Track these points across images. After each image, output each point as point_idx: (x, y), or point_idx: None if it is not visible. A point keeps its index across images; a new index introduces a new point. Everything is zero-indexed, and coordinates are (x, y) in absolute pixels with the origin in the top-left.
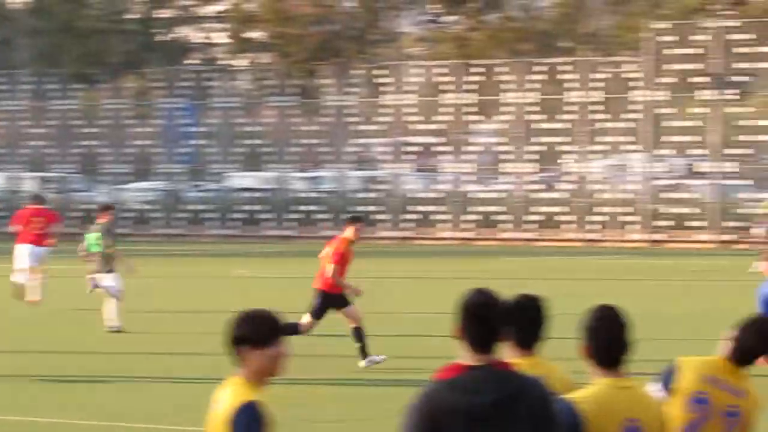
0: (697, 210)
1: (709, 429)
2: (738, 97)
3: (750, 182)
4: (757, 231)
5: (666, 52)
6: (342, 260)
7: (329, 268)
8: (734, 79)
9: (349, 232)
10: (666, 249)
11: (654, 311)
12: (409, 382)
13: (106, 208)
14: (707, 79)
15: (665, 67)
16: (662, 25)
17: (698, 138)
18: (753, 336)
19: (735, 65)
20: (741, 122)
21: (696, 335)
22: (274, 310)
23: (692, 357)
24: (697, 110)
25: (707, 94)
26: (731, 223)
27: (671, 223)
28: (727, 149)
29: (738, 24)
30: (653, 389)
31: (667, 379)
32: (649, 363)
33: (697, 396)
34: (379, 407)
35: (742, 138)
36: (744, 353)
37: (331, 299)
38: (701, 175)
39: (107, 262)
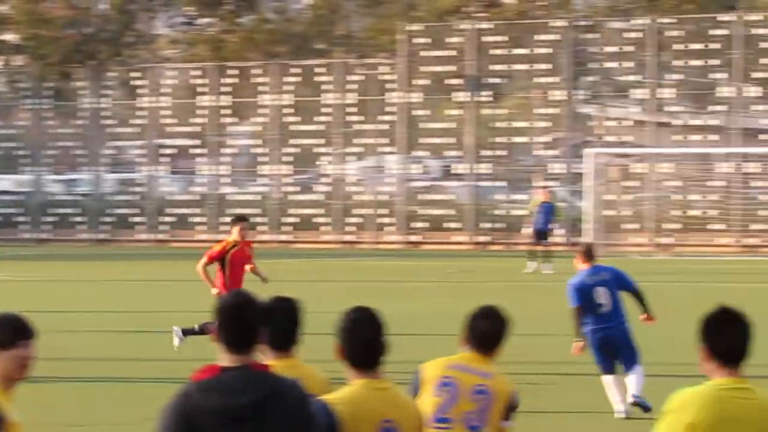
0: (452, 211)
1: (459, 407)
2: (492, 98)
3: (504, 184)
4: (525, 231)
5: (421, 54)
6: (215, 259)
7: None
8: (488, 80)
9: (233, 232)
10: (422, 250)
11: (410, 312)
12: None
13: None
14: (462, 80)
15: (420, 69)
16: (416, 27)
17: (453, 140)
18: (482, 322)
19: (489, 67)
20: (495, 124)
21: (452, 334)
22: (17, 312)
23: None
24: (452, 112)
25: (462, 96)
26: (487, 225)
27: (427, 224)
28: (482, 151)
29: (492, 26)
30: None
31: (416, 385)
32: (406, 364)
33: (443, 380)
34: (138, 409)
35: (496, 140)
36: (477, 339)
37: None
38: (457, 176)
39: None
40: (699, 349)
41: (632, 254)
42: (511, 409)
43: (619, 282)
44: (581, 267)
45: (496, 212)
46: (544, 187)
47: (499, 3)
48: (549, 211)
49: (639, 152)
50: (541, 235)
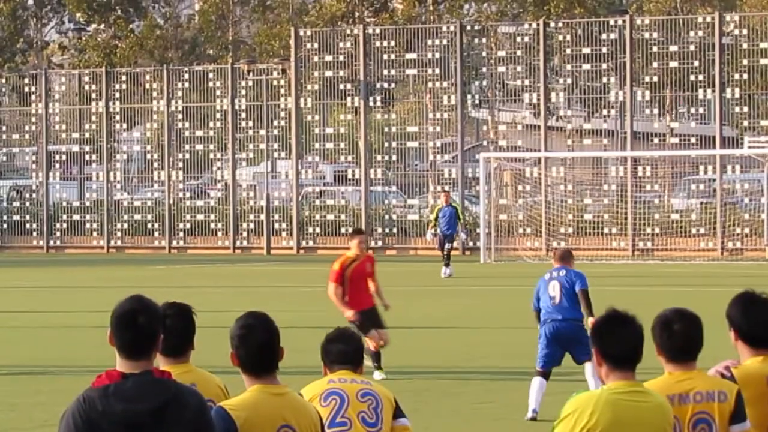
0: (345, 216)
1: (353, 408)
2: (384, 103)
3: (396, 188)
4: (429, 236)
5: (312, 59)
6: (340, 279)
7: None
8: (380, 85)
9: (352, 246)
10: (316, 255)
11: (305, 318)
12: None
13: None
14: (353, 85)
15: (312, 74)
16: (307, 32)
17: (346, 145)
18: (337, 345)
19: (381, 72)
20: (388, 129)
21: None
22: None
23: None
24: (344, 117)
25: (354, 101)
26: (380, 230)
27: (320, 229)
28: (375, 156)
29: (381, 31)
30: None
31: None
32: (305, 369)
33: (327, 393)
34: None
35: (388, 144)
36: (341, 358)
37: None
38: (349, 181)
39: None
40: (593, 353)
41: (527, 258)
42: (399, 408)
43: (572, 281)
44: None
45: (390, 217)
46: (445, 192)
47: (390, 8)
48: (451, 215)
49: (532, 156)
50: (445, 238)
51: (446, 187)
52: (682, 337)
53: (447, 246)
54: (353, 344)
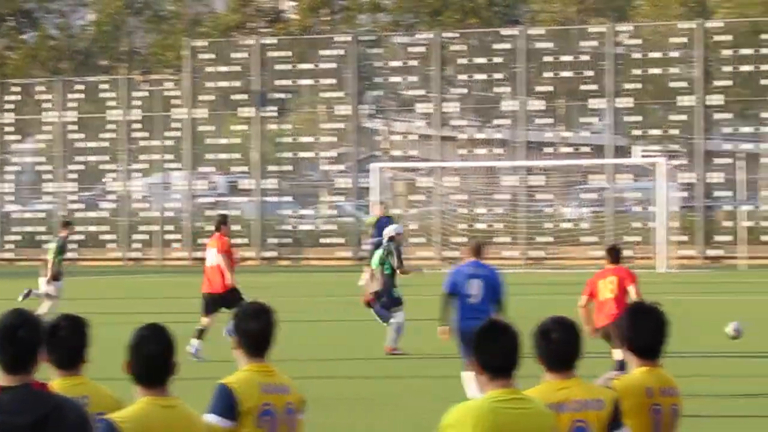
0: (239, 227)
1: (280, 430)
2: (278, 114)
3: (290, 199)
4: (366, 246)
5: (206, 69)
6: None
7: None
8: (274, 96)
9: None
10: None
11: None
12: None
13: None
14: (247, 96)
15: (205, 84)
16: (201, 43)
17: (239, 155)
18: (251, 322)
19: (274, 82)
20: (281, 139)
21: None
22: None
23: (236, 376)
24: (237, 127)
25: (247, 112)
26: (274, 240)
27: None
28: (268, 166)
29: (276, 41)
30: (211, 420)
31: (227, 405)
32: (202, 381)
33: (263, 409)
34: None
35: (282, 155)
36: (251, 340)
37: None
38: (243, 192)
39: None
40: (472, 362)
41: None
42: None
43: (493, 284)
44: (467, 259)
45: (283, 227)
46: (381, 203)
47: (284, 18)
48: (387, 224)
49: (425, 166)
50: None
51: (384, 199)
52: (560, 346)
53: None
54: (266, 324)
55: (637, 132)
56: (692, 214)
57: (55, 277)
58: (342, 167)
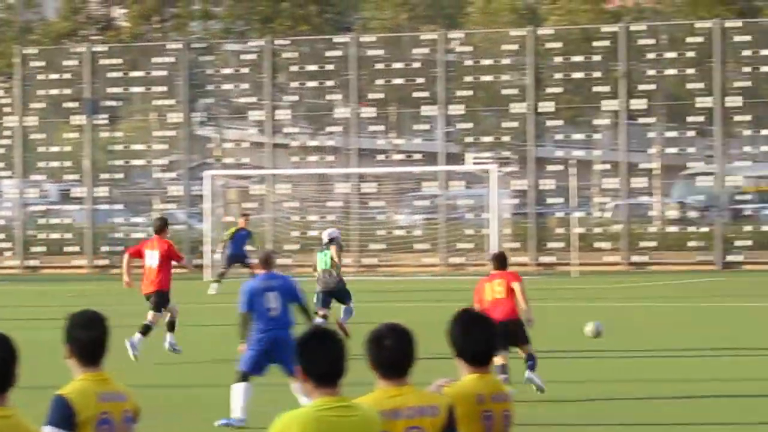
0: (71, 235)
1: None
2: (109, 121)
3: (122, 207)
4: (217, 256)
5: (37, 77)
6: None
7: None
8: (105, 103)
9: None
10: (41, 275)
11: (31, 338)
12: None
13: None
14: (79, 104)
15: (36, 92)
16: (32, 50)
17: (71, 163)
18: (83, 332)
19: (106, 90)
20: (113, 147)
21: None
22: None
23: (72, 386)
24: (69, 135)
25: (79, 119)
26: (106, 248)
27: (46, 249)
28: (100, 174)
29: (107, 49)
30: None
31: (64, 416)
32: (39, 390)
33: (101, 418)
34: None
35: (114, 163)
36: (83, 349)
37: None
38: (75, 200)
39: None
40: (297, 370)
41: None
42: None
43: (289, 292)
44: (259, 272)
45: (115, 235)
46: (244, 215)
47: (115, 26)
48: (245, 237)
49: (257, 173)
50: (234, 259)
51: (246, 211)
52: (393, 353)
53: (234, 265)
54: (99, 332)
55: (469, 139)
56: (525, 221)
57: None
58: (174, 175)
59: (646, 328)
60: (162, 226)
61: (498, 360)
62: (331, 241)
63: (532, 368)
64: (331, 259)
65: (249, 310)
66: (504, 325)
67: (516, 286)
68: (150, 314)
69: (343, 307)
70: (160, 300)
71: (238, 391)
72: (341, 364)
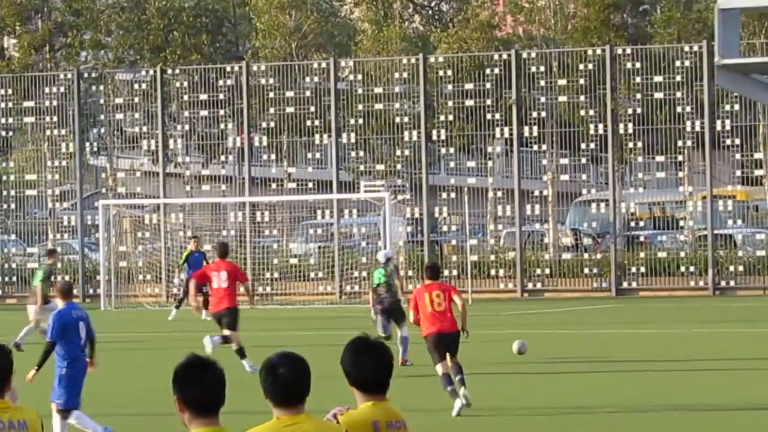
0: None
1: None
2: (1, 151)
3: (14, 237)
4: (176, 281)
5: None
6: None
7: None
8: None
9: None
10: None
11: None
12: None
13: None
14: None
15: None
16: None
17: None
18: None
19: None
20: (5, 177)
21: None
22: None
23: None
24: None
25: None
26: (2, 278)
27: None
28: None
29: None
30: None
31: None
32: None
33: None
34: None
35: (7, 192)
36: None
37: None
38: None
39: None
40: (175, 400)
41: (147, 305)
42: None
43: (89, 323)
44: (60, 303)
45: (9, 266)
46: (194, 237)
47: (6, 56)
48: (199, 259)
49: (150, 203)
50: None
51: (197, 233)
52: (288, 381)
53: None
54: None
55: (362, 167)
56: (419, 249)
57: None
58: (67, 205)
59: (541, 353)
60: (225, 250)
61: (440, 369)
62: (388, 260)
63: (463, 382)
64: (389, 279)
65: (56, 340)
66: (446, 336)
67: (457, 299)
68: (230, 335)
69: (399, 339)
70: (235, 317)
71: (83, 422)
72: (220, 393)
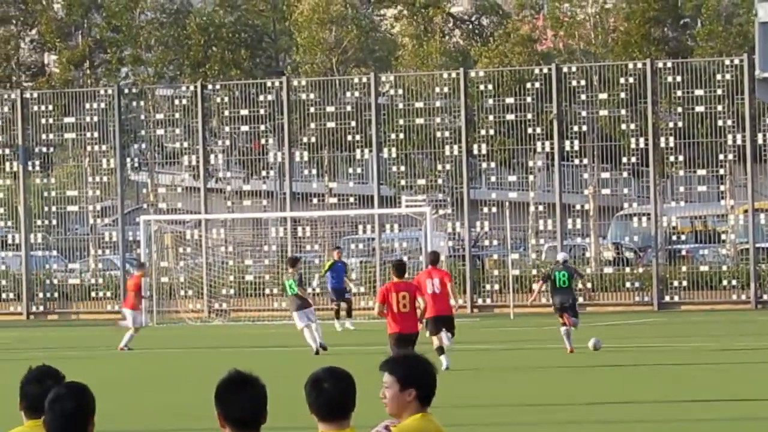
0: (6, 282)
1: None
2: (43, 168)
3: (56, 253)
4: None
5: None
6: None
7: None
8: (38, 150)
9: None
10: None
11: None
12: None
13: None
14: (11, 150)
15: None
16: None
17: (4, 210)
18: (34, 386)
19: (39, 136)
20: (46, 193)
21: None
22: None
23: None
24: (2, 182)
25: (12, 166)
26: (41, 294)
27: None
28: (35, 220)
29: (37, 95)
30: None
31: None
32: None
33: None
34: None
35: (48, 209)
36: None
37: None
38: (10, 246)
39: None
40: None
41: (189, 320)
42: None
43: None
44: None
45: (51, 282)
46: (336, 248)
47: (47, 72)
48: (342, 269)
49: (192, 218)
50: (339, 293)
51: (338, 244)
52: (333, 396)
53: (343, 299)
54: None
55: (403, 182)
56: (460, 264)
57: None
58: (108, 221)
59: (584, 369)
60: (436, 258)
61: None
62: (565, 263)
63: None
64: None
65: None
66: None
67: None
68: (443, 338)
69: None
70: (451, 322)
71: None
72: (261, 409)
